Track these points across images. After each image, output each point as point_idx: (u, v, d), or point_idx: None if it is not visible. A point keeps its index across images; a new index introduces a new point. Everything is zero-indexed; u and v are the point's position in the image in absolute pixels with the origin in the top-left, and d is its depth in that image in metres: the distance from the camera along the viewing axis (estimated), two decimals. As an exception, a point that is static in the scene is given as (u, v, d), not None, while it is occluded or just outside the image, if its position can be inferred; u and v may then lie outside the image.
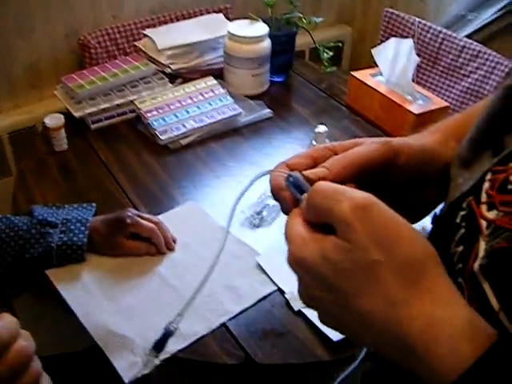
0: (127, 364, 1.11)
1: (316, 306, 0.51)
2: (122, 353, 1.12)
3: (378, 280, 0.45)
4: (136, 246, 1.31)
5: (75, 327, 1.20)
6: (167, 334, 1.14)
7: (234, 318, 1.20)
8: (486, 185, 0.53)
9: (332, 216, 0.48)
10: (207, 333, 1.17)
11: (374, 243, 0.45)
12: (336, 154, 0.59)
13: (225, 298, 1.23)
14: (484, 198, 0.52)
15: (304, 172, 0.56)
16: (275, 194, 0.57)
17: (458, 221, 0.55)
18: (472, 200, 0.53)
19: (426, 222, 0.66)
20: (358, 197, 0.47)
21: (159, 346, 1.12)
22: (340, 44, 2.11)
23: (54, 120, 1.66)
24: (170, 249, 1.34)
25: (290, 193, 0.56)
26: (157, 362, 1.11)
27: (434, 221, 0.63)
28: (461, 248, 0.52)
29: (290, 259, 0.51)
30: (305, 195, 0.53)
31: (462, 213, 0.55)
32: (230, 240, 1.36)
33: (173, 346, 1.14)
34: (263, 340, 1.15)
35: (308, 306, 0.52)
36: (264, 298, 1.24)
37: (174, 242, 1.36)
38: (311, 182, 0.54)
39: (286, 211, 0.56)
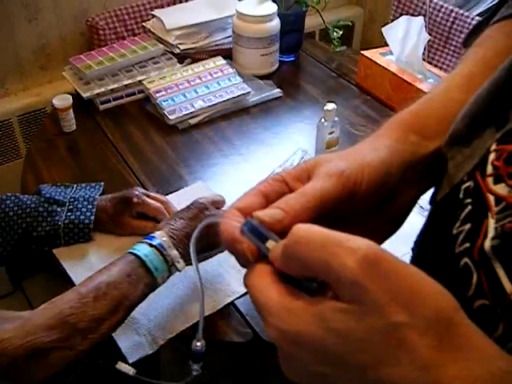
0: (131, 344, 1.10)
1: (318, 381, 0.43)
2: (127, 333, 1.12)
3: (403, 344, 0.38)
4: (142, 225, 1.30)
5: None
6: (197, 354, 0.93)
7: (241, 296, 1.20)
8: (492, 156, 0.49)
9: (329, 273, 0.40)
10: (212, 313, 1.16)
11: (392, 303, 0.38)
12: (287, 185, 0.52)
13: (232, 279, 1.22)
14: (490, 170, 0.49)
15: (257, 214, 0.48)
16: (230, 247, 0.48)
17: (461, 196, 0.52)
18: (477, 172, 0.50)
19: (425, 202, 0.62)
20: (361, 248, 0.39)
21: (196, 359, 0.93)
22: (350, 23, 2.09)
23: (62, 101, 1.66)
24: (177, 228, 1.34)
25: (248, 244, 0.47)
26: (160, 342, 1.11)
27: (434, 202, 0.59)
28: (468, 226, 0.49)
29: (275, 335, 0.42)
30: (270, 243, 0.46)
31: (465, 186, 0.52)
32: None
33: (176, 327, 1.13)
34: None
35: (302, 382, 0.45)
36: (272, 276, 1.23)
37: (182, 221, 1.35)
38: (267, 226, 0.47)
39: (245, 265, 0.48)
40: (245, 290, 1.20)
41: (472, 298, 0.46)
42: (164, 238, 1.07)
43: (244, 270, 0.48)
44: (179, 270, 1.08)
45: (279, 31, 1.92)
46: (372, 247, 0.39)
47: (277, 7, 1.91)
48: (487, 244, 0.45)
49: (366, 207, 0.54)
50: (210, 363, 2.16)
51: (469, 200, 0.50)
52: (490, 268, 0.45)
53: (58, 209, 1.27)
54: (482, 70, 0.63)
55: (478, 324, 0.40)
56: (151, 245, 1.06)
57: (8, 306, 1.01)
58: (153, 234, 1.09)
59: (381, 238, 0.58)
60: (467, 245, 0.47)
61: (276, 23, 1.90)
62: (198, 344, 0.81)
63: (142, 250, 1.05)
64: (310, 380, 0.43)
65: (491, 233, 0.46)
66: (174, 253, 1.07)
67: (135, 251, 1.05)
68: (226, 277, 1.22)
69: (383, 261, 0.39)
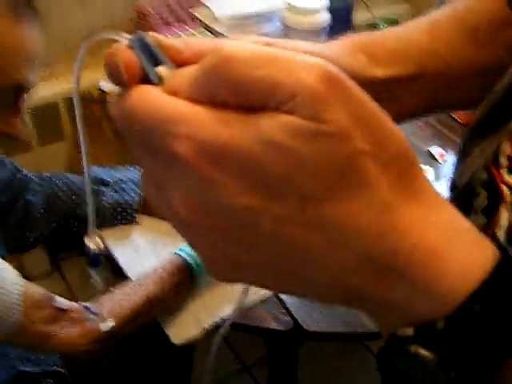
0: (176, 326, 1.12)
1: (245, 222, 0.32)
2: (172, 315, 1.13)
3: (362, 176, 0.31)
4: (191, 209, 1.30)
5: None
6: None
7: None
8: (506, 148, 0.49)
9: (279, 92, 0.31)
10: (260, 300, 1.16)
11: (357, 128, 0.31)
12: None
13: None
14: (504, 162, 0.48)
15: (154, 34, 0.38)
16: (106, 62, 0.38)
17: (478, 190, 0.51)
18: (491, 165, 0.50)
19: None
20: (320, 64, 0.31)
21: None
22: (398, 20, 2.08)
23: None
24: (227, 214, 1.34)
25: (128, 56, 0.36)
26: (206, 325, 1.12)
27: (452, 189, 0.58)
28: (482, 218, 0.48)
29: (186, 148, 0.31)
30: (161, 68, 0.35)
31: (481, 178, 0.51)
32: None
33: (225, 313, 1.14)
34: (312, 307, 1.15)
35: (206, 235, 0.34)
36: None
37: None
38: (164, 51, 0.36)
39: (122, 82, 0.36)
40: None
41: None
42: None
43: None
44: None
45: (328, 25, 1.92)
46: (330, 65, 0.31)
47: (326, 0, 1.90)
48: (501, 234, 0.45)
49: None
50: (245, 353, 2.17)
51: (482, 190, 0.50)
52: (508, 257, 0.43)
53: (104, 188, 1.29)
54: (448, 20, 0.64)
55: None
56: None
57: (46, 288, 1.02)
58: None
59: None
60: None
61: (326, 16, 1.90)
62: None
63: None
64: (234, 224, 0.32)
65: (504, 223, 0.46)
66: None
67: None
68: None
69: (345, 80, 0.31)
